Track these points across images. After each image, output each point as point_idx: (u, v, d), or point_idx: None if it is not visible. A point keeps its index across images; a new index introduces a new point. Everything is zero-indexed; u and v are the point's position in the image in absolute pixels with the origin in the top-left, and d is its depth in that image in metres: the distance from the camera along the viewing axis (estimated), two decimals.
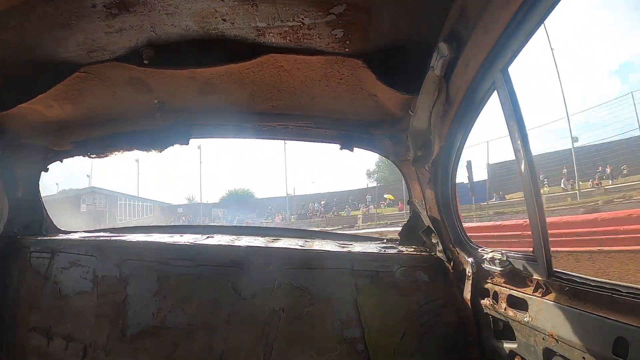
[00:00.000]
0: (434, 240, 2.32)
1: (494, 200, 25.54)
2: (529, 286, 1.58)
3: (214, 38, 1.65)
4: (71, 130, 2.46)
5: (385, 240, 2.86)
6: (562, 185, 23.93)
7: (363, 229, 23.19)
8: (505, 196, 25.36)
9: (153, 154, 2.61)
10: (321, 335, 2.13)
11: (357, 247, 2.49)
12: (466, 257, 2.01)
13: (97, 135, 2.52)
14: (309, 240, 2.83)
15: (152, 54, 1.71)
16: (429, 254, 2.34)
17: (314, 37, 1.60)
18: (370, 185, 42.10)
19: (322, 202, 36.65)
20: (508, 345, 1.70)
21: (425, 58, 1.59)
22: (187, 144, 2.55)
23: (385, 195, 33.95)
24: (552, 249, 1.46)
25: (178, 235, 2.80)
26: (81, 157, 2.70)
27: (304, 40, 1.63)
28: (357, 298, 2.17)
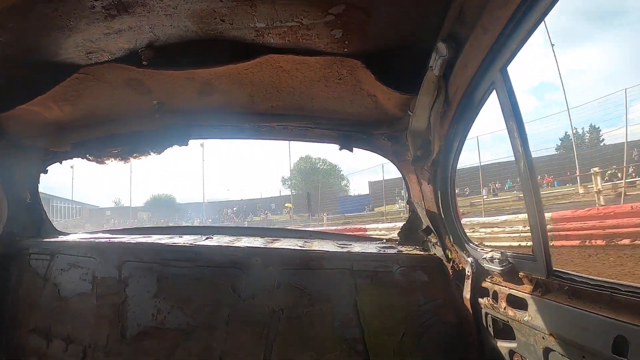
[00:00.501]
0: (433, 240, 2.32)
1: (366, 211, 33.74)
2: (528, 285, 1.58)
3: (212, 39, 1.65)
4: (70, 132, 2.46)
5: (384, 241, 2.86)
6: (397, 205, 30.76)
7: None
8: (374, 208, 33.09)
9: (151, 156, 2.62)
10: (321, 335, 2.13)
11: (357, 248, 2.49)
12: (465, 257, 2.01)
13: (96, 137, 2.51)
14: (309, 240, 2.83)
15: (151, 55, 1.71)
16: (428, 253, 2.34)
17: (313, 37, 1.60)
18: (284, 191, 51.10)
19: (234, 209, 45.59)
20: (508, 345, 1.70)
21: (424, 58, 1.59)
22: (187, 144, 2.55)
23: (286, 204, 42.53)
24: None
25: (177, 236, 2.80)
26: (80, 159, 2.70)
27: (302, 40, 1.62)
28: (357, 298, 2.17)
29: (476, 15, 1.29)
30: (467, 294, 1.97)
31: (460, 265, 2.08)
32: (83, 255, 2.38)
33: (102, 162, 2.67)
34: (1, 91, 1.91)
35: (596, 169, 15.45)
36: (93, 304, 2.26)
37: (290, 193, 47.02)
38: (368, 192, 36.75)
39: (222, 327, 2.15)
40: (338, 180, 50.04)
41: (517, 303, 1.62)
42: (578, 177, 20.41)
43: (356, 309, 2.16)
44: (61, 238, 2.74)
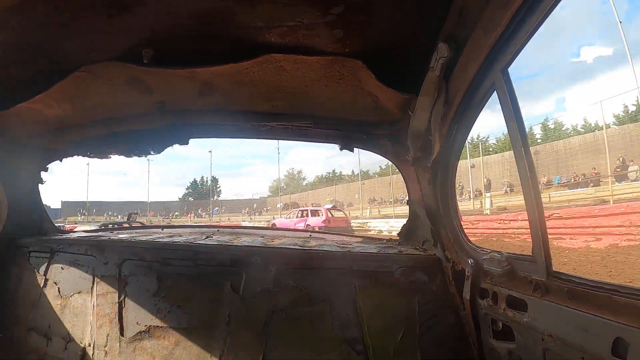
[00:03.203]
0: (433, 241, 2.32)
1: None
2: (528, 286, 1.57)
3: (213, 38, 1.65)
4: (70, 130, 2.46)
5: (384, 241, 2.86)
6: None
7: None
8: (67, 218, 44.60)
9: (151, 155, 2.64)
10: (320, 335, 2.13)
11: (357, 247, 2.49)
12: (465, 258, 2.01)
13: (96, 135, 2.51)
14: (309, 240, 2.83)
15: (151, 54, 1.71)
16: (428, 254, 2.34)
17: (314, 37, 1.60)
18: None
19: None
20: (507, 346, 1.70)
21: (425, 58, 1.59)
22: (187, 144, 2.55)
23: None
24: None
25: (177, 235, 2.80)
26: (80, 157, 2.70)
27: (303, 40, 1.62)
28: (357, 298, 2.17)
29: (477, 16, 1.29)
30: (466, 294, 1.97)
31: (460, 266, 2.07)
32: (83, 253, 2.39)
33: (103, 157, 2.69)
34: (2, 89, 1.91)
35: None
36: (93, 302, 2.26)
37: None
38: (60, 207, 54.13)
39: (221, 327, 2.15)
40: None
41: (516, 304, 1.61)
42: None
43: (356, 309, 2.15)
44: (61, 236, 2.74)
